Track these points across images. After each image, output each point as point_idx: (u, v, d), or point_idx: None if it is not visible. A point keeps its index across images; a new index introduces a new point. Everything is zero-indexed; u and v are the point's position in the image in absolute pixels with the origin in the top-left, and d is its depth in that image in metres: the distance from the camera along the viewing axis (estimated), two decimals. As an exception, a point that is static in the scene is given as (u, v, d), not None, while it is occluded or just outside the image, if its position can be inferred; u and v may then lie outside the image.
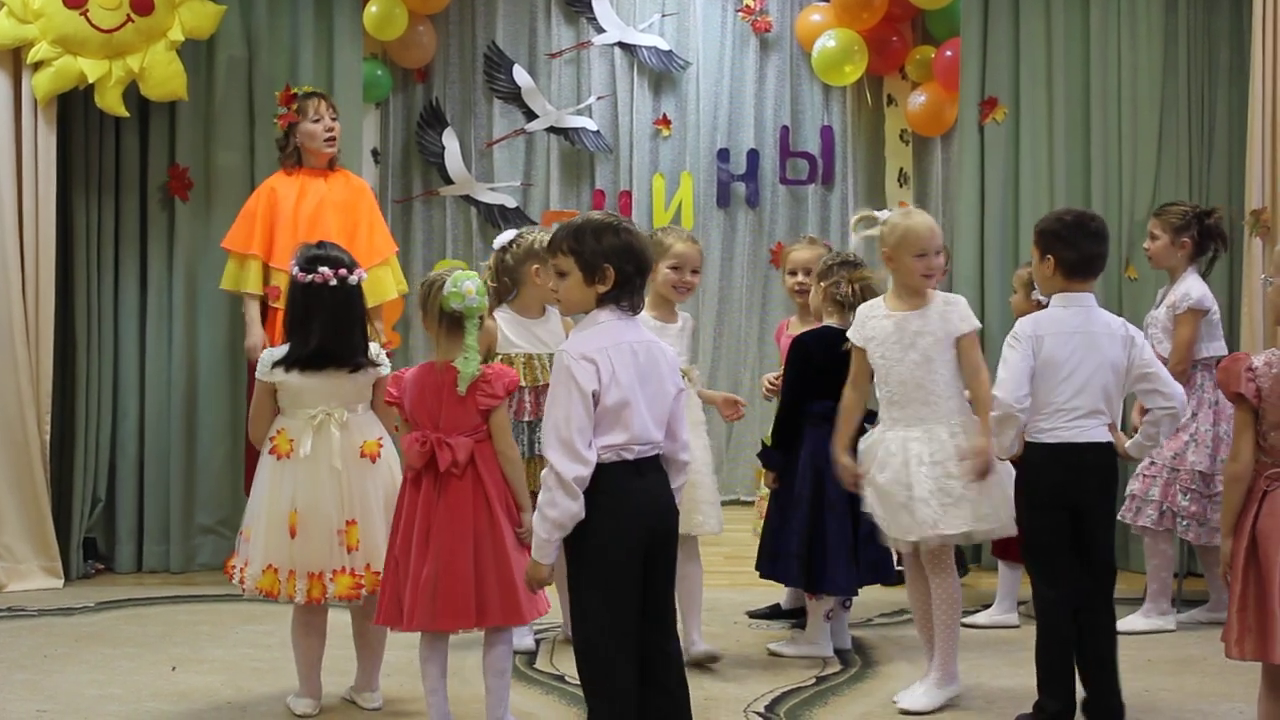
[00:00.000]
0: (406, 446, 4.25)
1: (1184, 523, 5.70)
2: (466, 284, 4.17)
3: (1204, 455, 5.68)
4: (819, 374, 5.13)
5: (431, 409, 4.23)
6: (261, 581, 4.47)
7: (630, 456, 3.57)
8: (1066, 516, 4.37)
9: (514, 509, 4.24)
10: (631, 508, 3.57)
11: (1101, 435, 4.38)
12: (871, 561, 5.19)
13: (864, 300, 5.08)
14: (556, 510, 3.52)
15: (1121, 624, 5.60)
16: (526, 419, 5.01)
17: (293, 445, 4.48)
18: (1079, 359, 4.36)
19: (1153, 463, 5.71)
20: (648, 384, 3.60)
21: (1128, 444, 4.48)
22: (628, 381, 3.57)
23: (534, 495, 4.85)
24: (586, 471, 3.51)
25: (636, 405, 3.57)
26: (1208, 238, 5.85)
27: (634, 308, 3.66)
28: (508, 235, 5.27)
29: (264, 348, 6.29)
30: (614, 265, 3.59)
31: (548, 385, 4.93)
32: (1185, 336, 5.70)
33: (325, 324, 4.46)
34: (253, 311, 6.46)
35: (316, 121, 6.46)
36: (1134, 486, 5.76)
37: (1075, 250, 4.42)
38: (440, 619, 4.15)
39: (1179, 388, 4.44)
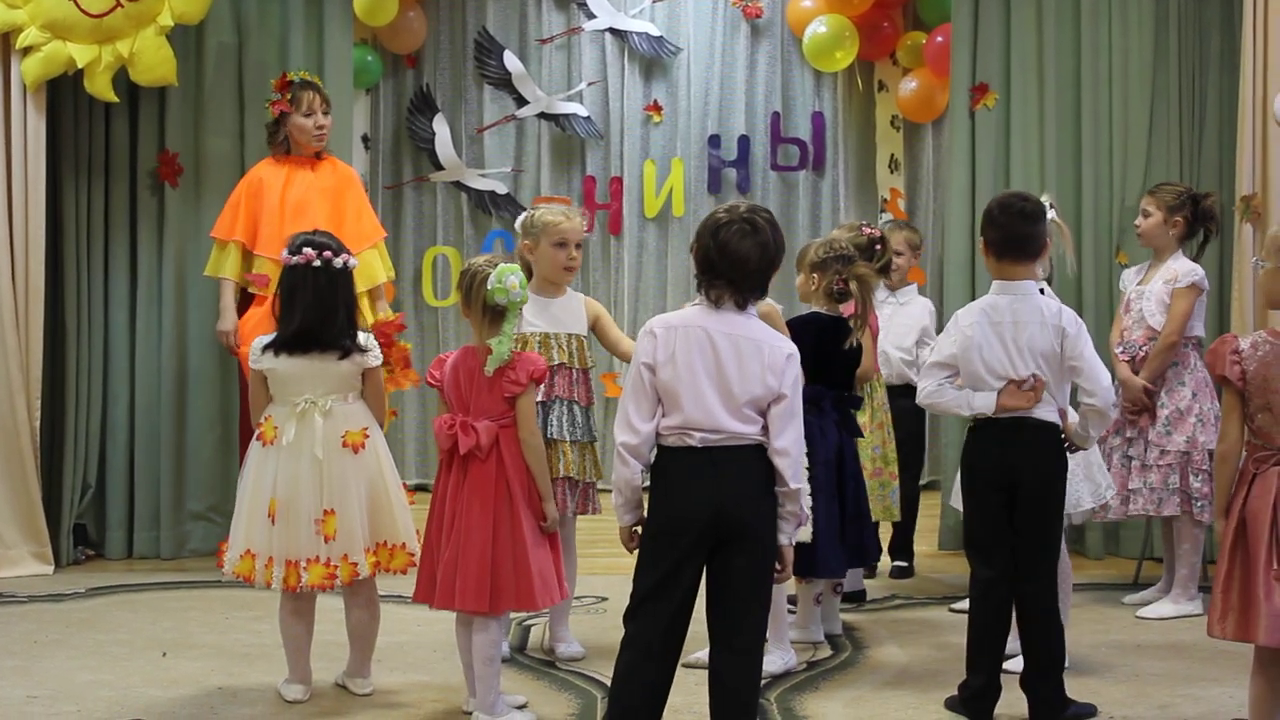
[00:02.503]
0: (436, 429, 4.34)
1: (1198, 504, 5.73)
2: (510, 279, 4.23)
3: (1212, 434, 5.68)
4: (806, 359, 5.13)
5: (464, 392, 4.31)
6: (239, 566, 4.49)
7: (694, 443, 3.59)
8: (1003, 497, 4.33)
9: (535, 496, 4.27)
10: (683, 493, 3.60)
11: (1038, 413, 4.33)
12: (856, 544, 5.20)
13: (857, 294, 5.07)
14: (615, 474, 3.68)
15: (1148, 610, 5.68)
16: (540, 399, 4.88)
17: (277, 432, 4.49)
18: (1007, 346, 4.33)
19: (1165, 452, 5.73)
20: (722, 373, 3.59)
21: (1073, 429, 4.47)
22: (687, 363, 3.59)
23: (563, 480, 4.88)
24: (635, 440, 3.62)
25: (695, 389, 3.58)
26: (1200, 220, 5.88)
27: (714, 299, 3.67)
28: (520, 218, 5.27)
29: (235, 333, 6.33)
30: (698, 250, 3.70)
31: (562, 365, 4.95)
32: (1183, 309, 5.75)
33: (309, 305, 4.46)
34: (227, 297, 6.47)
35: (308, 116, 6.44)
36: (1152, 479, 5.75)
37: (1000, 230, 4.41)
38: (460, 600, 4.21)
39: (1105, 384, 4.36)
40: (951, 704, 4.49)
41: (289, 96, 6.45)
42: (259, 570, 4.45)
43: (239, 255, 6.44)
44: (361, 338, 4.54)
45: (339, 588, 4.48)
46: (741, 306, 3.68)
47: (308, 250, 4.45)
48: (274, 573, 4.42)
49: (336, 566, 4.41)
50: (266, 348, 4.50)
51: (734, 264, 3.64)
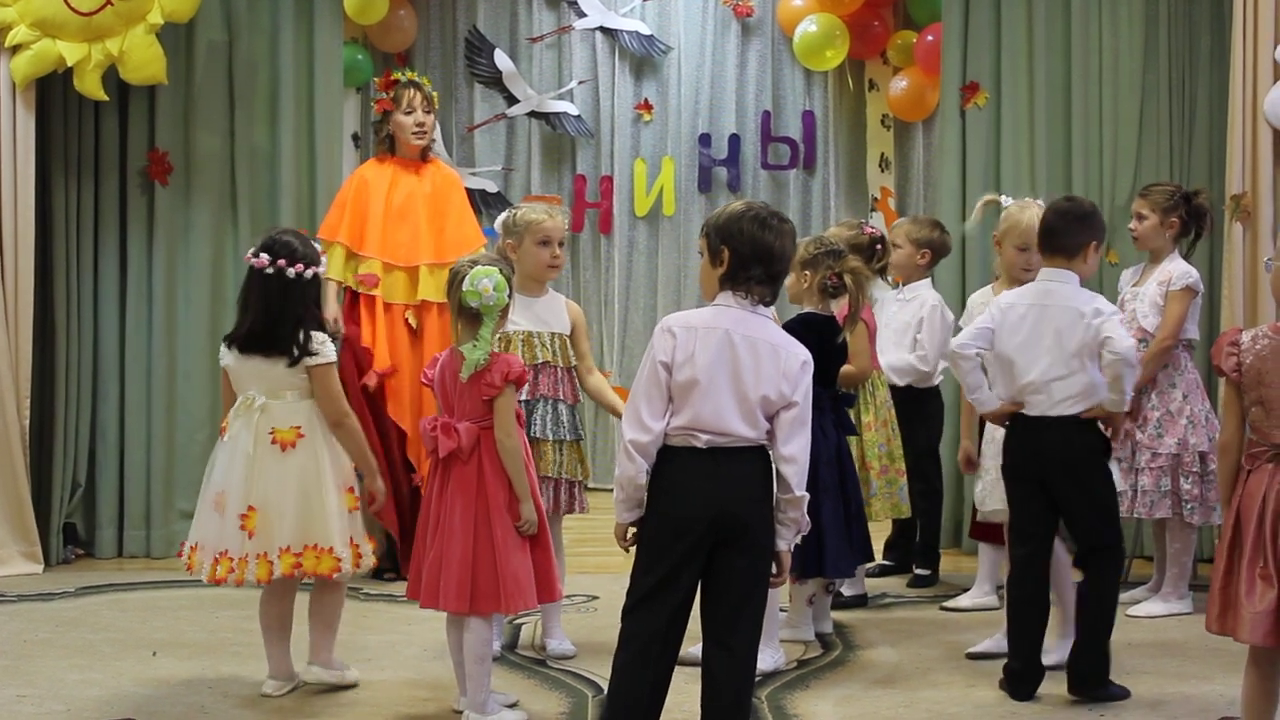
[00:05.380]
0: (421, 430, 4.34)
1: (1188, 506, 5.72)
2: (484, 282, 4.19)
3: (1203, 436, 5.69)
4: None
5: (449, 394, 4.30)
6: (190, 559, 4.53)
7: (699, 444, 3.57)
8: (1035, 487, 4.54)
9: (514, 499, 4.24)
10: (685, 494, 3.58)
11: (1062, 410, 4.50)
12: (860, 542, 5.20)
13: (852, 288, 5.06)
14: (619, 469, 3.64)
15: (1138, 609, 5.71)
16: (523, 398, 4.83)
17: (226, 427, 4.52)
18: (1033, 336, 4.55)
19: (1157, 454, 5.71)
20: (739, 377, 3.57)
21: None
22: (706, 365, 3.56)
23: (544, 479, 4.87)
24: (645, 439, 3.57)
25: (710, 391, 3.55)
26: (1195, 218, 5.86)
27: (757, 298, 3.65)
28: (500, 217, 5.25)
29: (337, 321, 6.28)
30: (730, 249, 3.63)
31: (546, 363, 4.94)
32: (1178, 313, 5.73)
33: (257, 309, 4.48)
34: (328, 292, 6.26)
35: (408, 114, 6.45)
36: (1144, 482, 5.74)
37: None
38: (443, 600, 4.21)
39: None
40: (1001, 685, 4.64)
41: (392, 94, 6.45)
42: (196, 561, 4.50)
43: (343, 256, 6.38)
44: (315, 339, 4.50)
45: (249, 584, 4.45)
46: (770, 303, 3.68)
47: (262, 256, 4.46)
48: (203, 563, 4.46)
49: (250, 564, 4.40)
50: (225, 341, 4.55)
51: (777, 260, 3.65)
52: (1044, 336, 4.52)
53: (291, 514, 4.44)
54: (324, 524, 4.46)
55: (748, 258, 3.63)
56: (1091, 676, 4.51)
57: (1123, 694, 4.55)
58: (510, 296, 4.31)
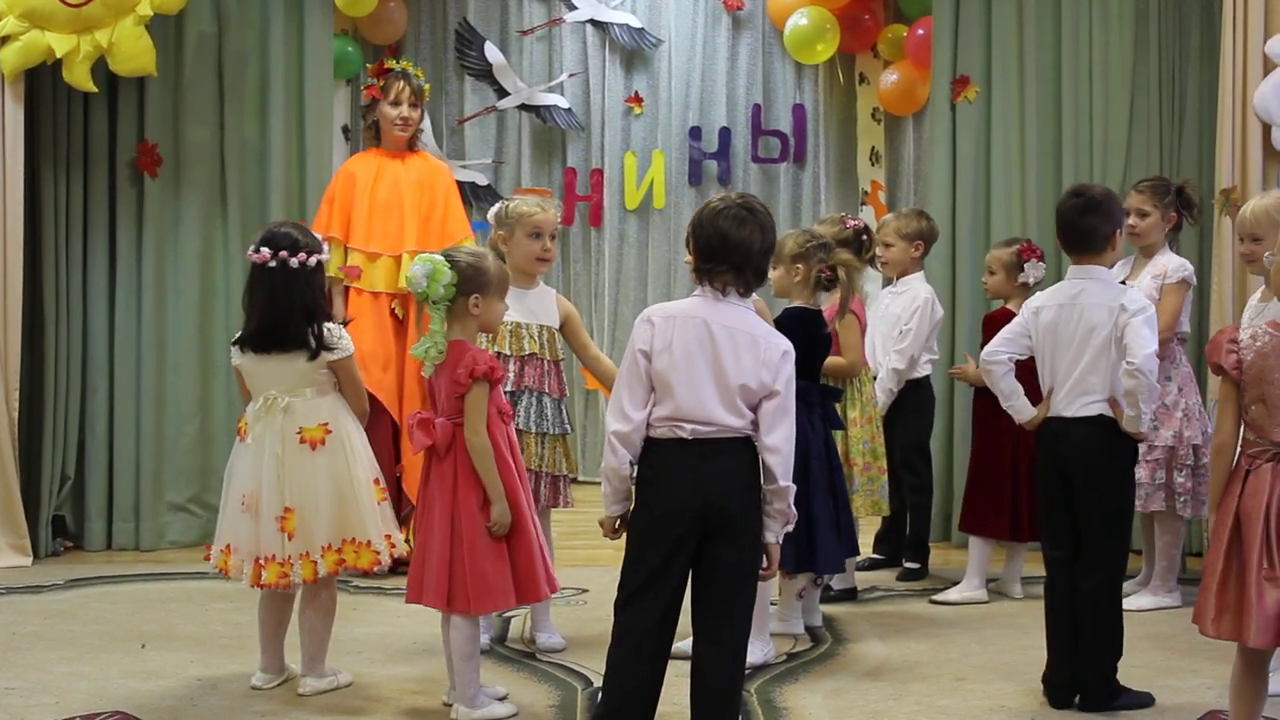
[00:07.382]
0: (407, 425, 4.32)
1: (1180, 499, 5.72)
2: (414, 268, 4.14)
3: (1197, 429, 5.69)
4: (796, 354, 5.11)
5: (434, 390, 4.27)
6: (220, 560, 4.49)
7: (684, 435, 3.58)
8: (1060, 485, 4.45)
9: (487, 499, 4.18)
10: (671, 486, 3.58)
11: (1085, 409, 4.40)
12: (847, 535, 5.19)
13: (844, 280, 5.04)
14: (604, 462, 3.67)
15: (1128, 602, 5.71)
16: (509, 389, 4.86)
17: (247, 428, 4.48)
18: (1063, 337, 4.47)
19: (1153, 447, 5.71)
20: (719, 365, 3.58)
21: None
22: (683, 353, 3.58)
23: (533, 473, 4.86)
24: (627, 428, 3.60)
25: (690, 380, 3.57)
26: (1186, 209, 5.88)
27: (723, 287, 3.66)
28: (493, 209, 5.23)
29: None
30: (695, 240, 3.70)
31: (533, 355, 4.92)
32: (1174, 305, 5.72)
33: (264, 305, 4.42)
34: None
35: (394, 106, 6.40)
36: (1140, 474, 5.72)
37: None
38: (426, 596, 4.20)
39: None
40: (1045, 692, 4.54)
41: (381, 83, 6.41)
42: (233, 565, 4.46)
43: (338, 250, 6.28)
44: (330, 332, 4.46)
45: (295, 585, 4.42)
46: (745, 294, 3.68)
47: (263, 250, 4.40)
48: (244, 568, 4.43)
49: (294, 565, 4.38)
50: (235, 344, 4.50)
51: (736, 250, 3.64)
52: (1073, 337, 4.42)
53: (328, 511, 4.41)
54: (359, 518, 4.44)
55: (706, 248, 3.68)
56: (1100, 693, 4.39)
57: (1146, 700, 4.45)
58: (459, 288, 4.17)
